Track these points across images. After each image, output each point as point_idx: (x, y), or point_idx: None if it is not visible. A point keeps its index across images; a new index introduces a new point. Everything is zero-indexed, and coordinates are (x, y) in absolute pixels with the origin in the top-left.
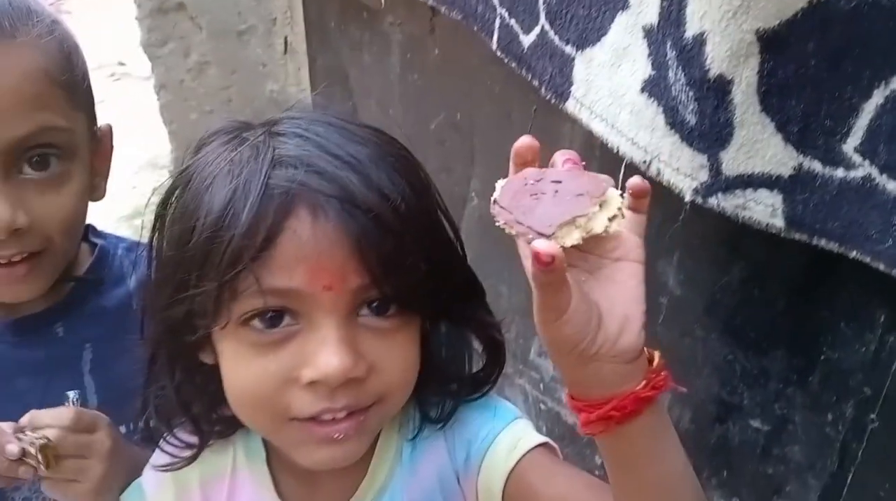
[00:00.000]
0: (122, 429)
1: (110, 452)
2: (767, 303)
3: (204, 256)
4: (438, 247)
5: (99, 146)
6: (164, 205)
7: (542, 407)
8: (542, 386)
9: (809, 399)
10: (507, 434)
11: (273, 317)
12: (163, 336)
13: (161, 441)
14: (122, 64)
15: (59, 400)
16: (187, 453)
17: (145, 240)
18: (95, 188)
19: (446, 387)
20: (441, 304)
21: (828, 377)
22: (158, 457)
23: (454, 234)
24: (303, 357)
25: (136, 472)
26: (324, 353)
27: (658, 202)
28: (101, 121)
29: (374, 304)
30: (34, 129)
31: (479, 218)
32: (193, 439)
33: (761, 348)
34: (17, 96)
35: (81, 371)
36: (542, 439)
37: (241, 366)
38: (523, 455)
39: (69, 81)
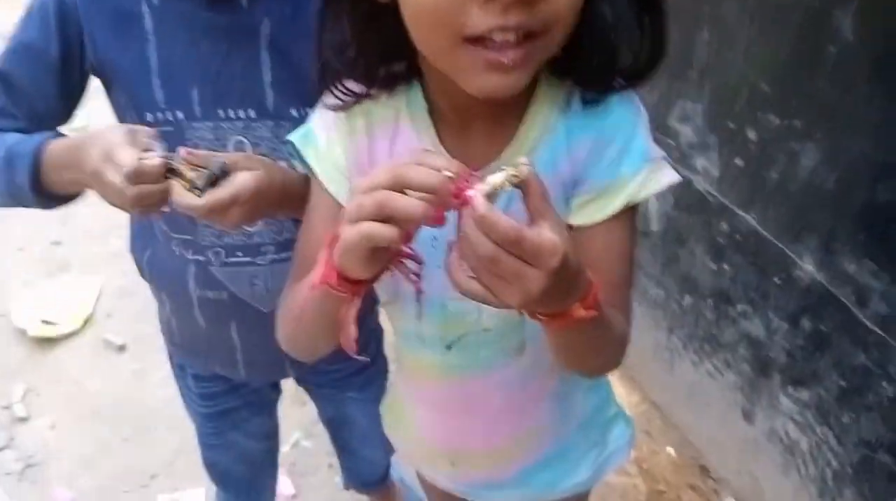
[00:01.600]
0: (294, 112)
1: (252, 195)
2: None
3: None
4: None
5: None
6: None
7: None
8: (676, 153)
9: None
10: (633, 180)
11: None
12: None
13: (332, 85)
14: None
15: (239, 72)
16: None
17: None
18: None
19: (605, 72)
20: None
21: None
22: (329, 99)
23: None
24: None
25: (286, 197)
26: None
27: None
28: None
29: None
30: None
31: None
32: (360, 89)
33: None
34: None
35: (259, 45)
36: (667, 183)
37: None
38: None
39: None
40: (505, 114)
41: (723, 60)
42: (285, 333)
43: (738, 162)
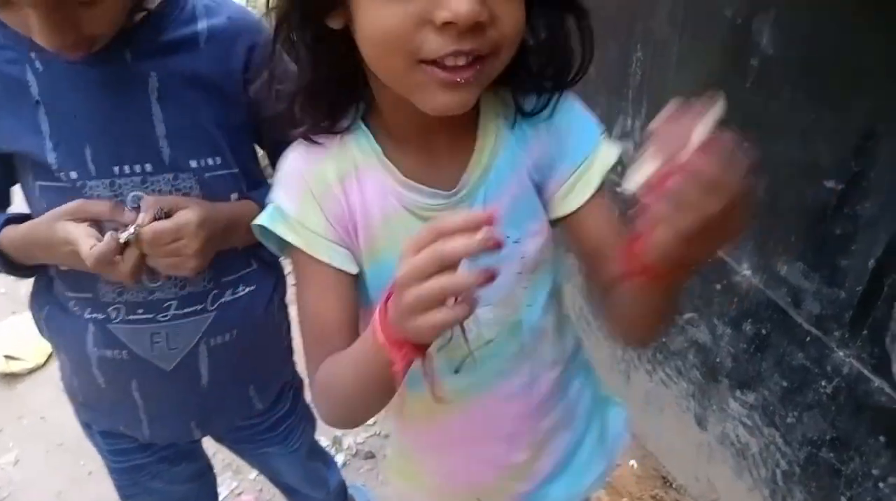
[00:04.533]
0: (193, 163)
1: (198, 227)
2: (858, 51)
3: None
4: None
5: None
6: None
7: (617, 188)
8: (619, 168)
9: (887, 149)
10: (599, 154)
11: None
12: (294, 1)
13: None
14: None
15: (132, 126)
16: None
17: None
18: None
19: (540, 78)
20: None
21: None
22: (296, 156)
23: None
24: (437, 1)
25: (232, 225)
26: None
27: None
28: None
29: None
30: None
31: None
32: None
33: (847, 97)
34: None
35: (149, 98)
36: (615, 158)
37: (380, 11)
38: (594, 194)
39: None
40: (460, 134)
41: (656, 76)
42: (335, 411)
43: None
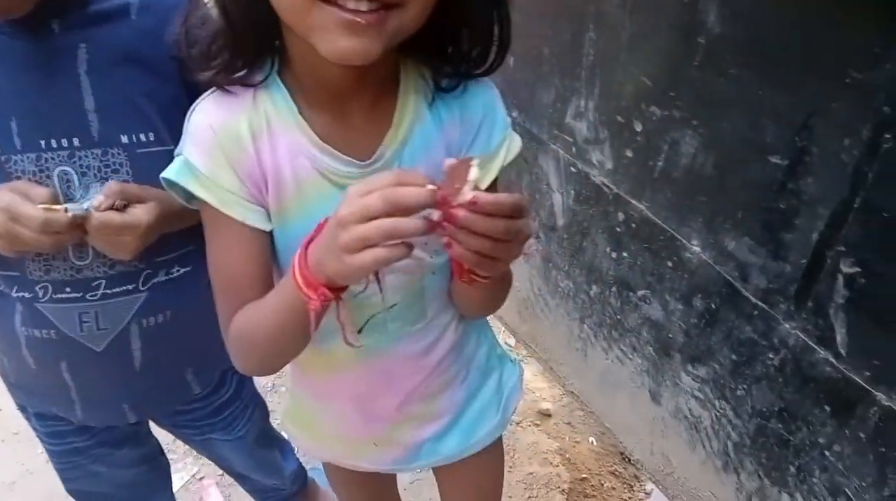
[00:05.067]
0: (124, 139)
1: (147, 228)
2: (803, 29)
3: None
4: None
5: None
6: None
7: (573, 169)
8: (574, 149)
9: (830, 126)
10: (502, 149)
11: None
12: None
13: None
14: None
15: (59, 99)
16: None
17: None
18: None
19: (460, 59)
20: None
21: (851, 100)
22: (206, 108)
23: None
24: None
25: (181, 216)
26: None
27: None
28: None
29: None
30: None
31: None
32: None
33: (792, 76)
34: None
35: (77, 70)
36: (520, 145)
37: None
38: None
39: None
40: (377, 104)
41: (608, 57)
42: (251, 358)
43: (629, 153)
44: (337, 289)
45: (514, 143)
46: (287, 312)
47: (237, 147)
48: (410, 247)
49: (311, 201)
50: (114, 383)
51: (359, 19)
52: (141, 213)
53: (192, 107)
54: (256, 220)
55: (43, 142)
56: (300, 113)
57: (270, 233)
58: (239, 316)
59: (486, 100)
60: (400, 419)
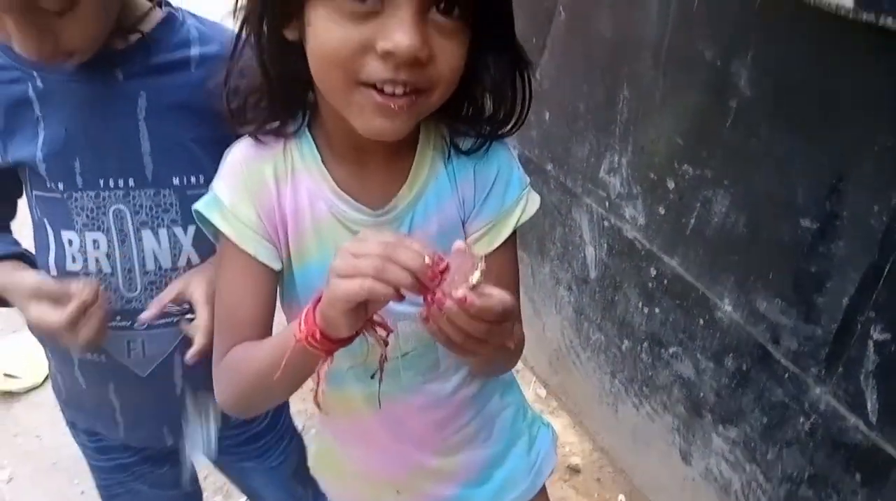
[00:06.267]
0: (175, 181)
1: (207, 296)
2: (832, 93)
3: None
4: None
5: None
6: None
7: (606, 223)
8: (607, 203)
9: (859, 189)
10: (517, 207)
11: None
12: (257, 8)
13: (238, 125)
14: None
15: (118, 142)
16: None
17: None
18: None
19: (479, 121)
20: (493, 25)
21: (880, 164)
22: (239, 150)
23: None
24: (382, 31)
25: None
26: (399, 31)
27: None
28: None
29: (442, 5)
30: None
31: (565, 32)
32: (264, 131)
33: (821, 139)
34: None
35: (137, 116)
36: (537, 204)
37: (330, 31)
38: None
39: None
40: (396, 158)
41: (642, 116)
42: (234, 391)
43: (661, 209)
44: (331, 342)
45: (532, 203)
46: (280, 348)
47: (260, 186)
48: (401, 295)
49: (328, 244)
50: (155, 406)
51: (392, 104)
52: (200, 319)
53: (228, 148)
54: (267, 257)
55: (101, 181)
56: (323, 161)
57: (278, 275)
58: (236, 349)
59: (500, 159)
60: (419, 470)
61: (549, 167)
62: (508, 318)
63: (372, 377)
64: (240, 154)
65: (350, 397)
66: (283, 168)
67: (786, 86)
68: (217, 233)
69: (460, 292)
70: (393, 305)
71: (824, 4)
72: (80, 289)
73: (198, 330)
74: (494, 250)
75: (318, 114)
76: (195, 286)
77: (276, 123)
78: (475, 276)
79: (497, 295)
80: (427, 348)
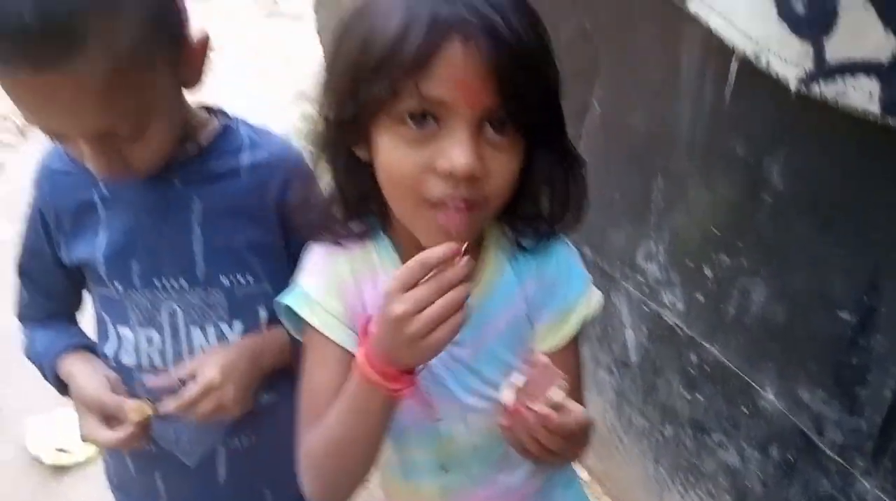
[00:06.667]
0: (224, 281)
1: (222, 381)
2: (866, 190)
3: (378, 64)
4: (550, 86)
5: None
6: (343, 27)
7: (646, 308)
8: (646, 289)
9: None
10: (581, 305)
11: (422, 118)
12: (330, 132)
13: (325, 235)
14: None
15: (173, 244)
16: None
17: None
18: None
19: (537, 218)
20: (545, 131)
21: None
22: (322, 250)
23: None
24: (441, 152)
25: (260, 359)
26: (457, 150)
27: (764, 102)
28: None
29: (496, 122)
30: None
31: (600, 125)
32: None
33: (854, 235)
34: None
35: (191, 220)
36: (601, 298)
37: (394, 155)
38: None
39: None
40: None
41: (676, 206)
42: (317, 473)
43: (700, 297)
44: (410, 372)
45: (594, 300)
46: (354, 416)
47: (344, 283)
48: (467, 307)
49: None
50: (199, 495)
51: (452, 231)
52: (206, 368)
53: (309, 249)
54: (353, 345)
55: (156, 281)
56: (401, 260)
57: None
58: (307, 433)
59: (559, 256)
60: None
61: (586, 250)
62: (584, 434)
63: (445, 470)
64: (322, 253)
65: (422, 489)
66: (363, 264)
67: (819, 182)
68: (299, 328)
69: (545, 410)
70: (464, 399)
71: (852, 109)
72: (133, 412)
73: (176, 398)
74: (559, 348)
75: (390, 219)
76: (207, 365)
77: (356, 230)
78: (555, 394)
79: (574, 414)
80: (497, 442)
